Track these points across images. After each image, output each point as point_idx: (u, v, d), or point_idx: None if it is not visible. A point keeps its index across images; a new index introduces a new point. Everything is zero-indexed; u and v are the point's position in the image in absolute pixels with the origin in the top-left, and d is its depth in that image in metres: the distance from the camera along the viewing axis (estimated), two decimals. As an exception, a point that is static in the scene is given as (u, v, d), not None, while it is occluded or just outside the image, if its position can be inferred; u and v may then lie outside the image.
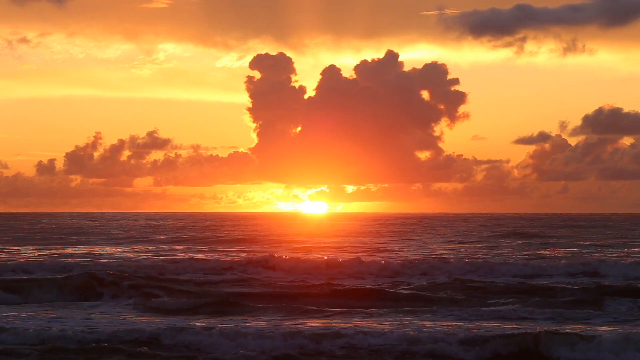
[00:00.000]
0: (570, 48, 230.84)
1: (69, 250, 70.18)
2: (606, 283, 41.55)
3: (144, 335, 26.43)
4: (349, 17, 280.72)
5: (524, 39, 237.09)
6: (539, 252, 68.15)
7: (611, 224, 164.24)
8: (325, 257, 53.81)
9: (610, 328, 27.88)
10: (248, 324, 28.41)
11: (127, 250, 72.68)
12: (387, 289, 38.99)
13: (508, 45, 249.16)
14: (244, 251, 69.17)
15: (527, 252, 67.25)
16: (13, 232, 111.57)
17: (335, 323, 28.84)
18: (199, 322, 29.08)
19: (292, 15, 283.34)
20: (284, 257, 52.83)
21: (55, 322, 29.40)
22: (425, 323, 29.03)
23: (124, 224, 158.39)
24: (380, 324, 28.60)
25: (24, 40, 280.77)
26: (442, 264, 49.84)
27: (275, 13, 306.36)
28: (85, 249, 72.82)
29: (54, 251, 68.42)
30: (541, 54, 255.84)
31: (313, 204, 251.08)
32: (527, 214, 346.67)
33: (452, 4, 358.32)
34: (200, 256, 59.94)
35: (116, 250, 72.57)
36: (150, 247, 76.95)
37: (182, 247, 77.81)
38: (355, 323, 28.67)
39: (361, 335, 25.70)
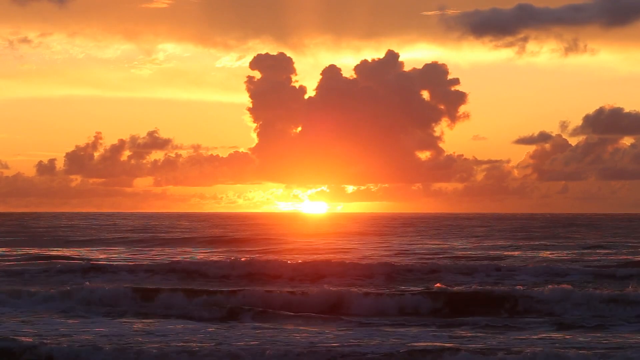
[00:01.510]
0: (572, 48, 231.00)
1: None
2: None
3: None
4: (349, 17, 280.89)
5: (525, 39, 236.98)
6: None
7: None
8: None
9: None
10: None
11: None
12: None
13: (509, 45, 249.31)
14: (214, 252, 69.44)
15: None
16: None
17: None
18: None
19: (292, 15, 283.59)
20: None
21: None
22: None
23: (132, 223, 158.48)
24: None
25: (24, 41, 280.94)
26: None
27: (275, 13, 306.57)
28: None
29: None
30: (543, 53, 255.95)
31: (313, 204, 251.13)
32: (527, 214, 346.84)
33: (453, 3, 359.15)
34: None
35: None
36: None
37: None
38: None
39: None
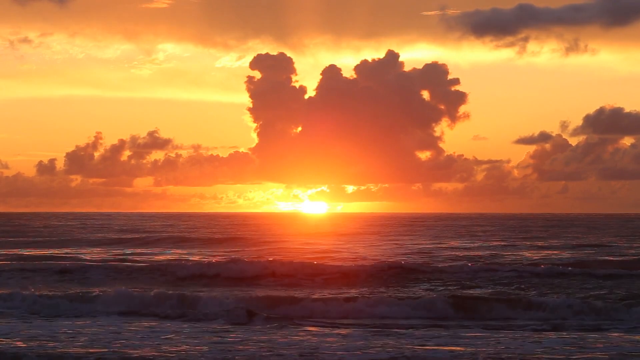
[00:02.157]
0: (573, 48, 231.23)
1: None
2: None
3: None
4: (349, 17, 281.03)
5: (526, 39, 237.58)
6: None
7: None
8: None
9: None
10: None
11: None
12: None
13: (510, 45, 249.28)
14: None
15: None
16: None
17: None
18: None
19: (292, 15, 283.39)
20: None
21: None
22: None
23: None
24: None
25: (25, 41, 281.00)
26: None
27: (275, 13, 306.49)
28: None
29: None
30: (543, 53, 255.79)
31: (313, 204, 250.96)
32: (526, 214, 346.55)
33: (453, 3, 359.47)
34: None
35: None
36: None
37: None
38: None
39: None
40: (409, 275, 47.39)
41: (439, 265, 52.10)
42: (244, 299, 35.40)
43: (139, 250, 72.77)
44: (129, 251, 71.65)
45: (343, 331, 28.93)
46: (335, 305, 34.62)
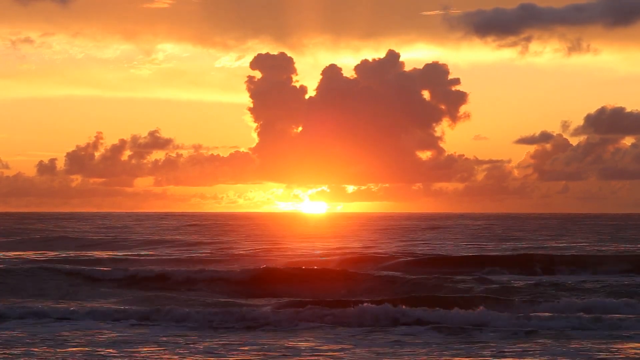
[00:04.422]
0: (575, 48, 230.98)
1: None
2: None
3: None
4: (348, 17, 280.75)
5: (528, 39, 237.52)
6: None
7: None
8: None
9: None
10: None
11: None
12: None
13: (512, 45, 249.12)
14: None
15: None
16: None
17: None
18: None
19: (291, 15, 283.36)
20: None
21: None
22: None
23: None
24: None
25: (27, 41, 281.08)
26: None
27: (274, 13, 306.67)
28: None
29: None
30: (546, 53, 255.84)
31: (313, 204, 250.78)
32: (526, 214, 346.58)
33: (455, 3, 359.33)
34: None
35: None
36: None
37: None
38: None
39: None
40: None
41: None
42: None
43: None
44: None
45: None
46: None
